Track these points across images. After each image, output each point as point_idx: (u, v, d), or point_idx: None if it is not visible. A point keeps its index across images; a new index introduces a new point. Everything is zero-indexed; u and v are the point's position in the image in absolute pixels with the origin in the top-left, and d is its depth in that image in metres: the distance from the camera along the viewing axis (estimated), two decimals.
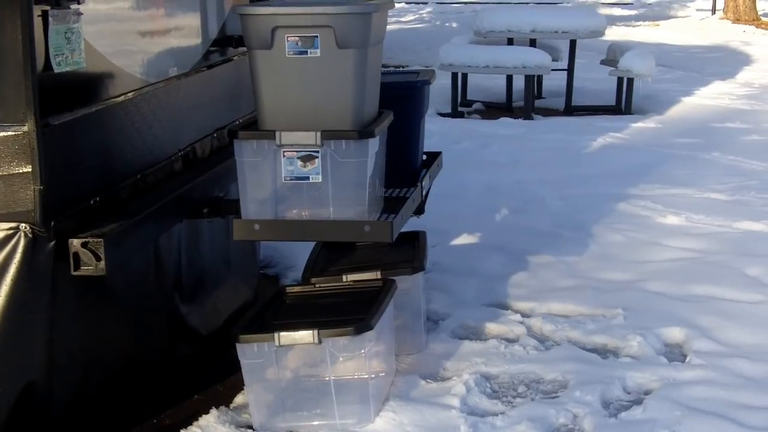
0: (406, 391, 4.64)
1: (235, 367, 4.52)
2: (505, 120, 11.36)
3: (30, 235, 3.65)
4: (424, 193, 5.30)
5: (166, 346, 4.74)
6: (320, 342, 4.22)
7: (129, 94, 4.32)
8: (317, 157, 4.24)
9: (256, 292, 5.74)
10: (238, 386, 4.57)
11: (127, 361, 4.39)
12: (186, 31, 5.00)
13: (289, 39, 4.22)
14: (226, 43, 5.38)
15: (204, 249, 5.11)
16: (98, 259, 3.76)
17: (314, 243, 5.35)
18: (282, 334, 4.21)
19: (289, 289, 4.78)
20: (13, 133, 3.61)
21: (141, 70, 4.47)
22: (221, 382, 4.76)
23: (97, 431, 4.17)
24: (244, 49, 5.32)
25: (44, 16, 3.72)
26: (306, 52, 4.24)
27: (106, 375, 4.25)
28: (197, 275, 5.02)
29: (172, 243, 4.71)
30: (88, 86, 4.06)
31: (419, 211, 5.30)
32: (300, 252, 6.06)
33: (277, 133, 4.23)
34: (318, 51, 4.24)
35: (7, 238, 3.64)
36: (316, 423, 4.31)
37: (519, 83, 12.02)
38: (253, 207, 4.30)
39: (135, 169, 4.36)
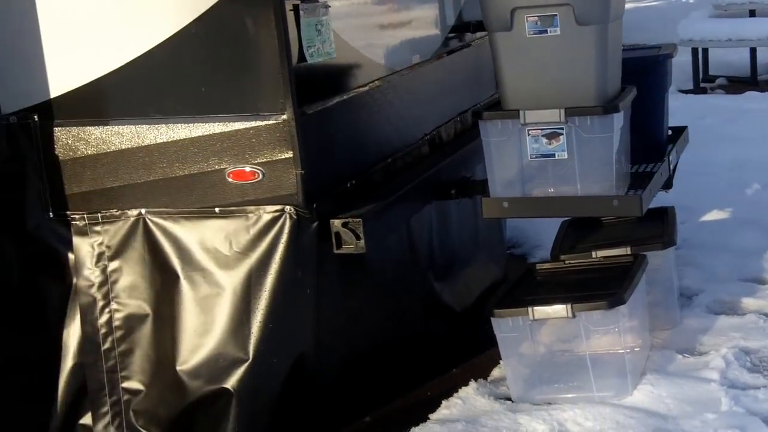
0: (662, 365, 4.60)
1: (487, 342, 4.62)
2: (751, 94, 10.93)
3: (294, 217, 3.89)
4: (671, 167, 5.23)
5: (422, 322, 4.91)
6: (574, 316, 4.25)
7: (376, 82, 4.51)
8: (562, 134, 4.28)
9: (504, 271, 5.83)
10: (494, 360, 4.67)
11: (386, 336, 4.59)
12: (426, 19, 5.15)
13: (528, 19, 4.28)
14: (464, 29, 5.50)
15: (454, 229, 5.24)
16: (358, 238, 3.96)
17: (560, 222, 5.40)
18: (536, 308, 4.27)
19: (539, 266, 4.83)
20: (274, 122, 3.86)
21: (386, 58, 4.65)
22: (476, 357, 4.87)
23: (360, 401, 4.39)
24: (482, 34, 5.47)
25: (295, 10, 3.94)
26: (546, 31, 4.29)
27: (367, 348, 4.46)
28: (449, 255, 5.16)
29: (423, 224, 4.87)
30: (338, 76, 4.27)
31: (667, 185, 5.23)
32: (545, 231, 6.10)
33: (521, 112, 4.30)
34: (558, 29, 4.28)
35: (274, 220, 3.89)
36: (572, 395, 4.34)
37: (763, 56, 11.53)
38: (500, 185, 4.39)
39: (385, 153, 4.54)
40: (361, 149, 4.37)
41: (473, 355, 4.91)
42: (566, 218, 5.24)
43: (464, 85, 5.44)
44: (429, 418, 4.32)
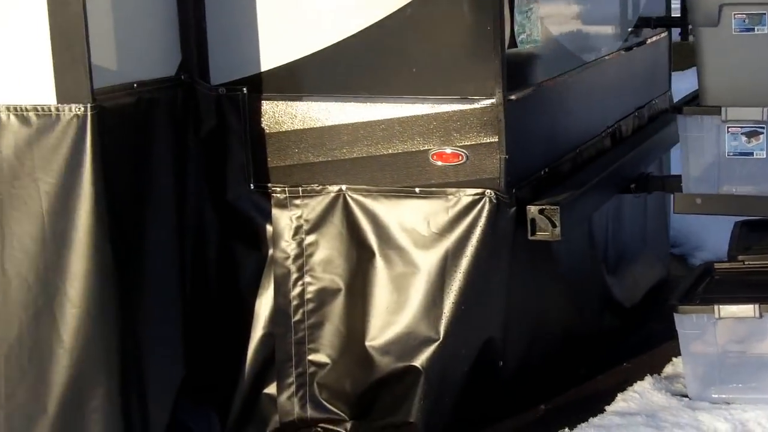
0: None
1: (656, 338, 4.60)
2: None
3: (494, 201, 3.92)
4: None
5: (596, 315, 4.91)
6: (761, 316, 4.22)
7: (570, 73, 4.53)
8: (762, 133, 4.26)
9: (668, 270, 5.79)
10: (666, 357, 4.66)
11: (565, 325, 4.61)
12: (613, 14, 5.15)
13: (735, 16, 4.26)
14: (644, 25, 5.48)
15: (626, 225, 5.23)
16: (554, 225, 3.98)
17: (721, 224, 5.35)
18: (722, 306, 4.24)
19: (717, 266, 4.79)
20: (482, 106, 3.90)
21: (579, 49, 4.66)
22: (647, 352, 4.87)
23: (536, 389, 4.42)
24: (659, 30, 5.46)
25: None
26: (753, 29, 4.26)
27: (547, 337, 4.49)
28: (620, 250, 5.16)
29: (601, 217, 4.87)
30: (539, 63, 4.30)
31: None
32: (705, 233, 6.07)
33: (723, 109, 4.28)
34: (765, 28, 4.25)
35: (474, 203, 3.93)
36: (752, 396, 4.31)
37: None
38: (694, 181, 4.39)
39: (574, 143, 4.56)
40: (554, 138, 4.39)
41: (642, 351, 4.90)
42: (740, 219, 5.19)
43: (641, 81, 5.42)
44: (605, 410, 4.33)
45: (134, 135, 3.89)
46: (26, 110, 3.59)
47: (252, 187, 4.16)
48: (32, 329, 3.68)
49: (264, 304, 4.21)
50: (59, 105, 3.56)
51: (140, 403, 3.91)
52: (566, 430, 4.14)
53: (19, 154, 3.61)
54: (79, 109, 3.54)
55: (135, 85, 3.90)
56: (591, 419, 4.24)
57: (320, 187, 4.11)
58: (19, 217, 3.64)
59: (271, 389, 4.24)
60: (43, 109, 3.58)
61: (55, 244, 3.62)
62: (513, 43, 3.97)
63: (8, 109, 3.60)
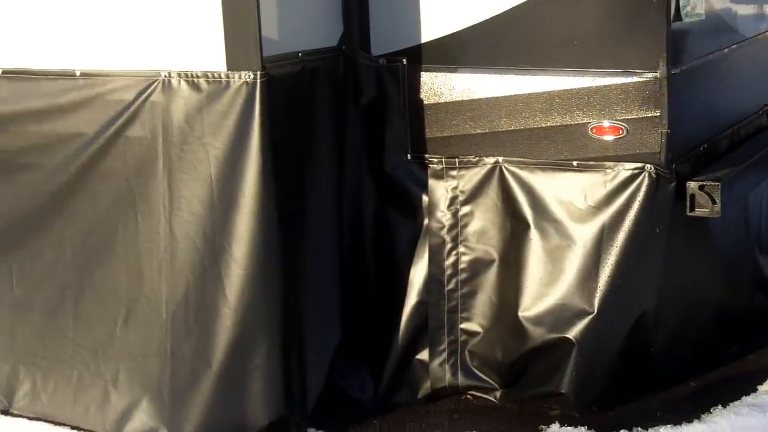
0: None
1: None
2: None
3: (654, 176, 3.89)
4: None
5: (747, 294, 4.84)
6: None
7: (731, 48, 4.45)
8: None
9: None
10: None
11: (717, 302, 4.56)
12: None
13: None
14: None
15: None
16: (713, 202, 3.93)
17: None
18: None
19: None
20: (645, 80, 3.86)
21: (740, 24, 4.57)
22: None
23: (686, 365, 4.38)
24: None
25: None
26: None
27: (700, 312, 4.45)
28: None
29: (756, 196, 4.79)
30: (701, 38, 4.23)
31: None
32: None
33: None
34: None
35: (633, 177, 3.91)
36: None
37: None
38: None
39: (732, 120, 4.49)
40: (713, 114, 4.34)
41: None
42: None
43: None
44: (758, 389, 4.28)
45: (298, 103, 3.99)
46: (197, 77, 3.72)
47: (409, 158, 4.22)
48: (199, 289, 3.83)
49: (418, 273, 4.28)
50: (229, 72, 3.68)
51: (299, 364, 4.03)
52: (719, 407, 4.11)
53: (189, 119, 3.74)
54: (249, 76, 3.65)
55: (299, 54, 3.99)
56: (744, 398, 4.19)
57: (477, 158, 4.14)
58: (188, 181, 3.78)
59: (423, 356, 4.32)
60: (213, 76, 3.70)
61: (222, 206, 3.74)
62: (677, 17, 3.92)
63: (179, 75, 3.73)
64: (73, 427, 4.08)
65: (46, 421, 4.13)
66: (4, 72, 3.93)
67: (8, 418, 4.17)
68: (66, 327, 4.06)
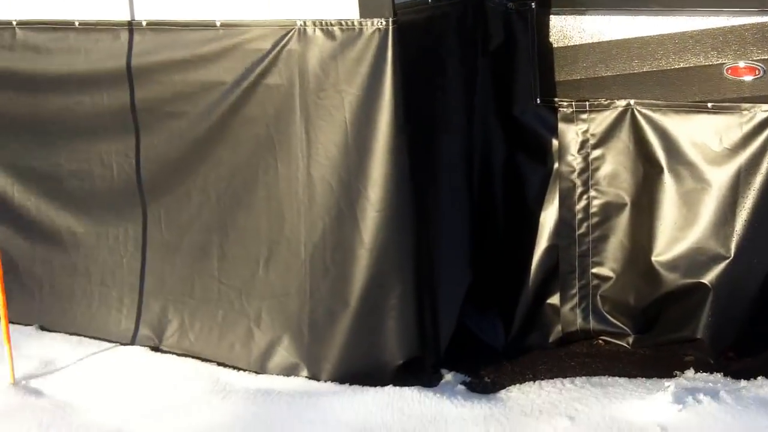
0: None
1: None
2: None
3: None
4: None
5: None
6: None
7: None
8: None
9: None
10: None
11: None
12: None
13: None
14: None
15: None
16: None
17: None
18: None
19: None
20: None
21: None
22: None
23: None
24: None
25: None
26: None
27: None
28: None
29: None
30: None
31: None
32: None
33: None
34: None
35: None
36: None
37: None
38: None
39: None
40: None
41: None
42: None
43: None
44: None
45: (427, 49, 4.06)
46: (331, 24, 3.82)
47: (538, 102, 4.24)
48: (335, 231, 3.96)
49: (549, 217, 4.31)
50: (362, 19, 3.77)
51: (431, 306, 4.13)
52: None
53: (324, 66, 3.86)
54: (381, 23, 3.73)
55: (429, 0, 4.05)
56: None
57: (607, 101, 4.13)
58: (324, 126, 3.91)
59: (554, 300, 4.36)
60: (347, 24, 3.80)
61: (357, 151, 3.86)
62: None
63: (314, 23, 3.84)
64: (219, 363, 4.30)
65: (193, 357, 4.36)
66: (149, 24, 4.12)
67: (158, 354, 4.41)
68: (211, 268, 4.27)
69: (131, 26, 4.14)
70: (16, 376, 4.23)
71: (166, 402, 4.05)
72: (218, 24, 3.98)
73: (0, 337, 4.40)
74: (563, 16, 4.14)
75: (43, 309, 4.67)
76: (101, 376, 4.27)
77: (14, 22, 4.35)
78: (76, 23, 4.24)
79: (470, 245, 4.32)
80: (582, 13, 4.10)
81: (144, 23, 4.12)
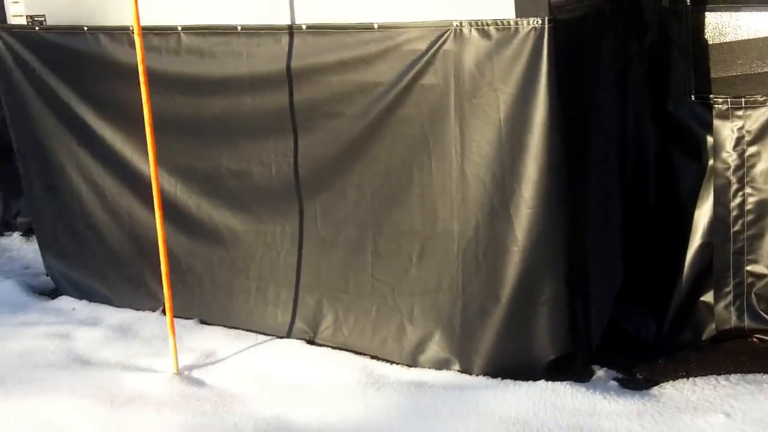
0: None
1: None
2: None
3: None
4: None
5: None
6: None
7: None
8: None
9: None
10: None
11: None
12: None
13: None
14: None
15: None
16: None
17: None
18: None
19: None
20: None
21: None
22: None
23: None
24: None
25: None
26: None
27: None
28: None
29: None
30: None
31: None
32: None
33: None
34: None
35: None
36: None
37: None
38: None
39: None
40: None
41: None
42: None
43: None
44: None
45: (581, 47, 4.09)
46: (487, 24, 3.89)
47: (693, 98, 4.23)
48: (488, 227, 4.03)
49: (703, 214, 4.29)
50: (518, 19, 3.82)
51: (583, 302, 4.16)
52: None
53: (479, 66, 3.93)
54: (537, 22, 3.78)
55: None
56: None
57: (764, 98, 4.09)
58: (479, 125, 3.97)
59: (708, 297, 4.34)
60: (502, 23, 3.86)
61: (510, 148, 3.92)
62: None
63: (470, 24, 3.91)
64: (372, 357, 4.43)
65: (347, 350, 4.50)
66: (309, 27, 4.26)
67: (313, 347, 4.56)
68: (366, 263, 4.39)
69: (291, 30, 4.29)
70: (179, 367, 4.45)
71: (323, 392, 4.18)
72: (376, 26, 4.10)
73: (164, 330, 4.64)
74: (719, 13, 4.13)
75: (203, 303, 4.87)
76: (259, 368, 4.43)
77: (180, 28, 4.57)
78: (239, 28, 4.42)
79: (622, 241, 4.34)
80: (737, 9, 4.08)
81: (304, 27, 4.26)
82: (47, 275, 5.60)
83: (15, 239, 6.48)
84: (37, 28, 4.99)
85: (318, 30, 4.24)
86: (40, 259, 6.07)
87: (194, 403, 4.17)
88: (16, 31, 5.08)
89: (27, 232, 6.50)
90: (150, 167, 4.32)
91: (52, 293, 5.54)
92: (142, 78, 4.18)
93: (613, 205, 4.30)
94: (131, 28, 4.70)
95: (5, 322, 5.10)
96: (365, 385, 4.20)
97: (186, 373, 4.42)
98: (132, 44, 4.72)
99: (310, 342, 4.59)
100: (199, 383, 4.34)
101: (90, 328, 4.97)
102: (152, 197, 4.81)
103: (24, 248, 6.34)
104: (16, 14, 5.04)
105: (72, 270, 5.34)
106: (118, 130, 4.92)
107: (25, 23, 5.03)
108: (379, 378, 4.25)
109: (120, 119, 4.89)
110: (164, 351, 4.59)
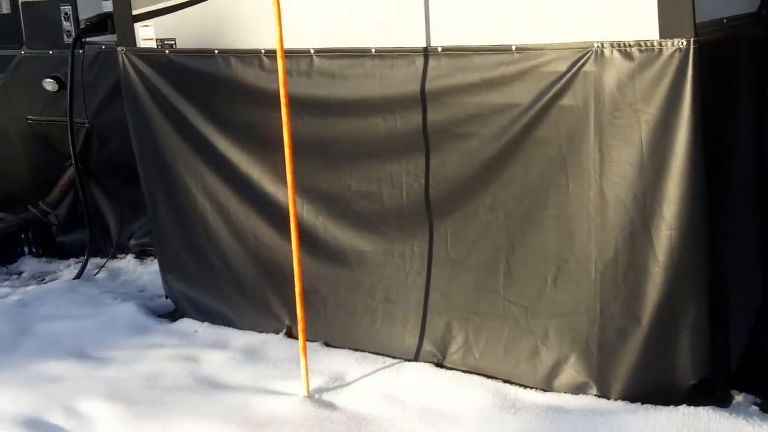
0: None
1: None
2: None
3: None
4: None
5: None
6: None
7: None
8: None
9: None
10: None
11: None
12: None
13: None
14: None
15: None
16: None
17: None
18: None
19: None
20: None
21: None
22: None
23: None
24: None
25: None
26: None
27: None
28: None
29: None
30: None
31: None
32: None
33: None
34: None
35: None
36: None
37: None
38: None
39: None
40: None
41: None
42: None
43: None
44: None
45: (722, 67, 4.05)
46: (629, 45, 3.86)
47: None
48: (628, 249, 3.98)
49: None
50: (662, 40, 3.79)
51: (723, 324, 4.09)
52: None
53: (620, 86, 3.90)
54: (682, 43, 3.75)
55: (724, 21, 4.05)
56: None
57: None
58: (618, 146, 3.94)
59: None
60: (645, 44, 3.83)
61: (653, 170, 3.88)
62: None
63: (611, 45, 3.89)
64: (503, 381, 4.38)
65: (477, 373, 4.46)
66: (444, 49, 4.27)
67: (443, 369, 4.53)
68: (498, 285, 4.37)
69: (426, 52, 4.31)
70: (309, 390, 4.45)
71: (458, 416, 4.15)
72: (514, 48, 4.10)
73: (289, 352, 4.66)
74: None
75: (327, 325, 4.88)
76: (390, 391, 4.42)
77: (312, 51, 4.62)
78: (373, 50, 4.45)
79: (762, 264, 4.26)
80: None
81: (440, 49, 4.27)
82: (166, 297, 5.67)
83: (129, 262, 6.56)
84: (167, 51, 5.09)
85: (454, 52, 4.25)
86: (155, 282, 6.17)
87: (329, 426, 4.17)
88: (144, 54, 5.19)
89: (140, 255, 6.60)
90: (288, 190, 4.36)
91: (171, 315, 5.61)
92: (282, 100, 4.23)
93: (752, 226, 4.23)
94: (263, 50, 4.81)
95: (129, 344, 5.16)
96: (500, 409, 4.16)
97: (316, 396, 4.43)
98: (263, 67, 4.80)
99: (439, 365, 4.56)
100: (331, 406, 4.34)
101: (215, 350, 5.00)
102: (278, 219, 4.88)
103: (138, 270, 6.43)
104: (146, 38, 5.13)
105: (194, 291, 5.40)
106: (245, 151, 4.98)
107: (155, 46, 5.14)
108: (514, 402, 4.21)
109: (247, 141, 4.95)
110: (292, 373, 4.61)
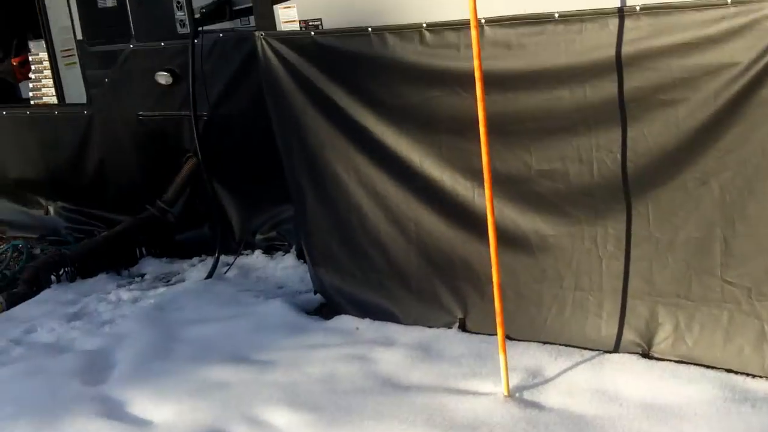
0: None
1: None
2: None
3: None
4: None
5: None
6: None
7: None
8: None
9: None
10: None
11: None
12: None
13: None
14: None
15: None
16: None
17: None
18: None
19: None
20: None
21: None
22: None
23: None
24: None
25: None
26: None
27: None
28: None
29: None
30: None
31: None
32: None
33: None
34: None
35: None
36: None
37: None
38: None
39: None
40: None
41: None
42: None
43: None
44: None
45: None
46: None
47: None
48: None
49: None
50: None
51: None
52: None
53: None
54: None
55: None
56: None
57: None
58: None
59: None
60: None
61: None
62: None
63: None
64: (726, 370, 3.98)
65: (691, 363, 4.06)
66: (644, 8, 3.84)
67: (651, 360, 4.13)
68: (713, 265, 3.95)
69: (622, 12, 3.87)
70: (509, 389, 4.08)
71: (687, 413, 3.76)
72: (729, 1, 3.67)
73: (470, 347, 4.29)
74: None
75: (507, 317, 4.47)
76: (597, 387, 4.03)
77: (482, 20, 4.20)
78: (556, 15, 4.02)
79: None
80: None
81: (638, 8, 3.83)
82: (315, 292, 5.32)
83: (258, 258, 6.19)
84: (312, 33, 4.70)
85: (656, 10, 3.81)
86: (292, 277, 5.82)
87: (543, 429, 3.79)
88: (286, 37, 4.79)
89: (268, 250, 6.26)
90: (484, 175, 3.98)
91: (320, 312, 5.25)
92: (477, 74, 3.82)
93: None
94: (425, 24, 4.40)
95: (289, 345, 4.81)
96: (734, 403, 3.76)
97: (517, 394, 4.05)
98: (425, 42, 4.39)
99: (644, 355, 4.17)
100: (538, 406, 3.96)
101: (385, 348, 4.63)
102: (445, 204, 4.50)
103: (270, 266, 6.06)
104: (288, 20, 4.74)
105: (350, 286, 5.03)
106: (403, 134, 4.59)
107: (299, 28, 4.74)
108: (745, 394, 3.81)
109: (407, 123, 4.56)
110: (479, 370, 4.25)
